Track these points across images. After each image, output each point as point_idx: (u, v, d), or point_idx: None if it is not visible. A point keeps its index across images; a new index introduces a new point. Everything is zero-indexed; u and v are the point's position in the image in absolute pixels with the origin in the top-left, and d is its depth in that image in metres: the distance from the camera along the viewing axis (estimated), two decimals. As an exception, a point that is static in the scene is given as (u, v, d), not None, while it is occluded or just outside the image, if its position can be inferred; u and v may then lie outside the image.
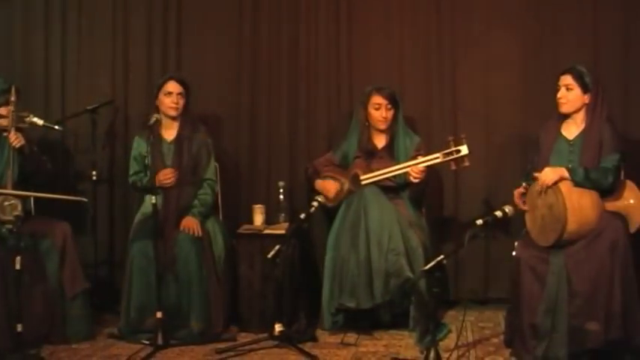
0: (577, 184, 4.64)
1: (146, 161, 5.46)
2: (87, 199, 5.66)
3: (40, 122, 5.47)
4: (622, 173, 4.89)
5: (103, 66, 6.37)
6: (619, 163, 4.75)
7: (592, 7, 5.93)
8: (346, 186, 5.63)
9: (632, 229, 4.74)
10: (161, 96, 5.55)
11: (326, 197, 5.54)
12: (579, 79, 4.83)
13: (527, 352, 4.63)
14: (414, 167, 5.29)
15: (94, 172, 5.99)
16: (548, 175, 4.69)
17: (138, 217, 5.61)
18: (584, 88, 4.82)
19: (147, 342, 5.07)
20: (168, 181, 5.39)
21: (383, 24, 6.22)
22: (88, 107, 5.98)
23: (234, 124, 6.33)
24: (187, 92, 5.60)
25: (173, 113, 5.54)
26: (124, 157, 6.19)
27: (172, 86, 5.54)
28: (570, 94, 4.85)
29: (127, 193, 6.23)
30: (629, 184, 4.89)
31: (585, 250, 4.57)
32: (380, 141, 5.72)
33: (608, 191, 4.75)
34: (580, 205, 4.59)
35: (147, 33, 6.36)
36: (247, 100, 6.30)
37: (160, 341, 4.96)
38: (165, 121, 5.57)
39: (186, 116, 5.63)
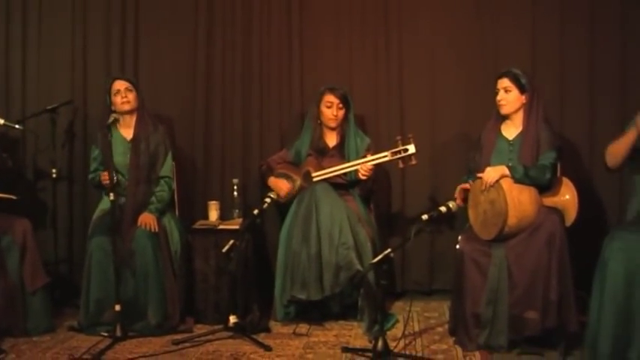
0: (517, 181, 4.70)
1: (102, 159, 5.49)
2: (16, 196, 5.51)
3: (1, 121, 5.46)
4: (558, 170, 4.97)
5: (62, 66, 6.29)
6: (555, 161, 4.84)
7: (530, 12, 5.98)
8: (298, 182, 5.65)
9: (568, 223, 4.81)
10: (112, 98, 5.54)
11: (278, 194, 5.55)
12: (516, 80, 4.91)
13: (470, 340, 4.69)
14: (364, 165, 5.32)
15: (53, 170, 5.91)
16: (490, 174, 4.75)
17: (97, 213, 5.56)
18: (521, 89, 4.91)
19: (106, 334, 5.04)
20: (105, 182, 5.33)
21: (333, 29, 6.21)
22: (48, 107, 5.90)
23: (189, 124, 6.29)
24: (135, 88, 5.59)
25: (127, 107, 5.52)
26: (83, 155, 6.16)
27: (118, 84, 5.54)
28: (509, 96, 4.93)
29: (86, 190, 6.18)
30: (565, 180, 4.96)
31: (525, 243, 4.64)
32: (331, 140, 5.74)
33: (546, 187, 4.83)
34: (520, 201, 4.65)
35: (105, 33, 6.28)
36: (202, 101, 6.26)
37: (118, 333, 4.95)
38: (123, 119, 5.56)
39: (142, 115, 5.60)
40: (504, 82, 4.94)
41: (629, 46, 5.85)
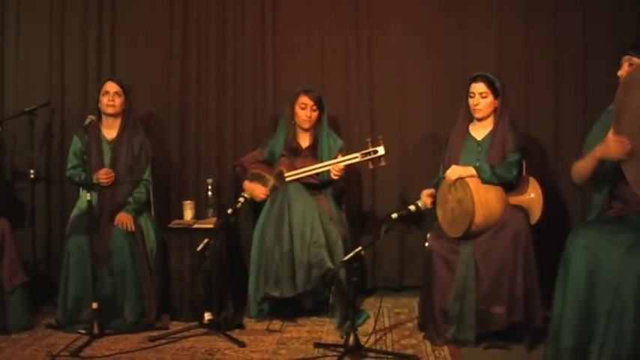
0: (485, 181, 4.73)
1: (84, 157, 5.43)
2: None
3: (-20, 123, 5.42)
4: (524, 170, 5.01)
5: (40, 67, 6.25)
6: (520, 159, 4.88)
7: (496, 16, 6.03)
8: (271, 182, 5.65)
9: (533, 221, 4.85)
10: (100, 97, 5.54)
11: (255, 199, 5.57)
12: (491, 85, 4.93)
13: (438, 335, 4.71)
14: (335, 165, 5.34)
15: (31, 171, 5.89)
16: (454, 170, 4.80)
17: (74, 212, 5.54)
18: (495, 94, 4.94)
19: (83, 331, 5.02)
20: (106, 181, 5.36)
21: (305, 29, 6.23)
22: (26, 109, 5.87)
23: (165, 125, 6.28)
24: (125, 93, 5.57)
25: (110, 111, 5.52)
26: (61, 156, 6.13)
27: (109, 86, 5.53)
28: (485, 101, 4.95)
29: (64, 190, 6.15)
30: (531, 180, 5.00)
31: (491, 240, 4.67)
32: (304, 141, 5.75)
33: (512, 185, 4.87)
34: (486, 200, 4.69)
35: (82, 34, 6.25)
36: (177, 102, 6.25)
37: (95, 330, 4.93)
38: (106, 120, 5.57)
39: (127, 117, 5.59)
40: (480, 87, 4.95)
41: (592, 46, 5.92)
